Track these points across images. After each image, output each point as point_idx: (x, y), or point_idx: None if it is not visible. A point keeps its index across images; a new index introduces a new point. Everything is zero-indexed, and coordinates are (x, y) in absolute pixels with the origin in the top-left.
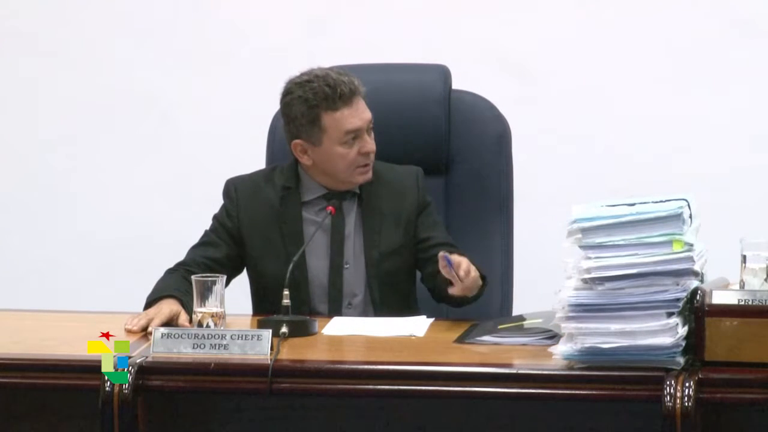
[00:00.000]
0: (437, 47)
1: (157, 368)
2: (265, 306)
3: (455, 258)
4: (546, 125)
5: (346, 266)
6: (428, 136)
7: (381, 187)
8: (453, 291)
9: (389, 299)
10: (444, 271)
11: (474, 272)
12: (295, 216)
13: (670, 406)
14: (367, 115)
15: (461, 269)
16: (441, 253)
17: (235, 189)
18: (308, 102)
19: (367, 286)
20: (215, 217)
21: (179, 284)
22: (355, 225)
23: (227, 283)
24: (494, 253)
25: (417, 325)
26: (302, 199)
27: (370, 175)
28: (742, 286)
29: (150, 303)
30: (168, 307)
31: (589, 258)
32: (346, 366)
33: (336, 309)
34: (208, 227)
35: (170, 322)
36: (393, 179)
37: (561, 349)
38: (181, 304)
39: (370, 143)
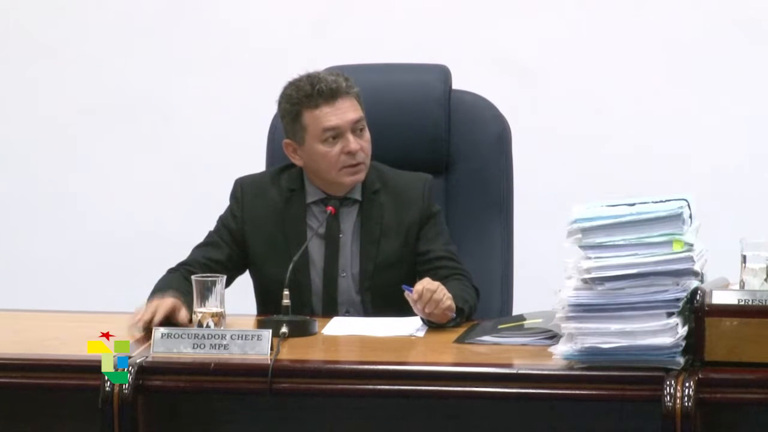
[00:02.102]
0: (437, 47)
1: (157, 368)
2: (269, 307)
3: (417, 288)
4: (546, 125)
5: (342, 275)
6: (428, 136)
7: (385, 196)
8: (419, 315)
9: (383, 311)
10: (409, 300)
11: (446, 302)
12: (298, 218)
13: (670, 406)
14: (352, 115)
15: (421, 300)
16: (403, 286)
17: (241, 190)
18: (291, 100)
19: (360, 295)
20: (220, 219)
21: (180, 284)
22: (353, 233)
23: (229, 284)
24: (494, 252)
25: (417, 326)
26: (306, 202)
27: (359, 176)
28: (742, 286)
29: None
30: (170, 298)
31: (589, 258)
32: (346, 366)
33: (331, 316)
34: (212, 227)
35: (172, 313)
36: (399, 188)
37: (561, 349)
38: (181, 302)
39: (353, 143)
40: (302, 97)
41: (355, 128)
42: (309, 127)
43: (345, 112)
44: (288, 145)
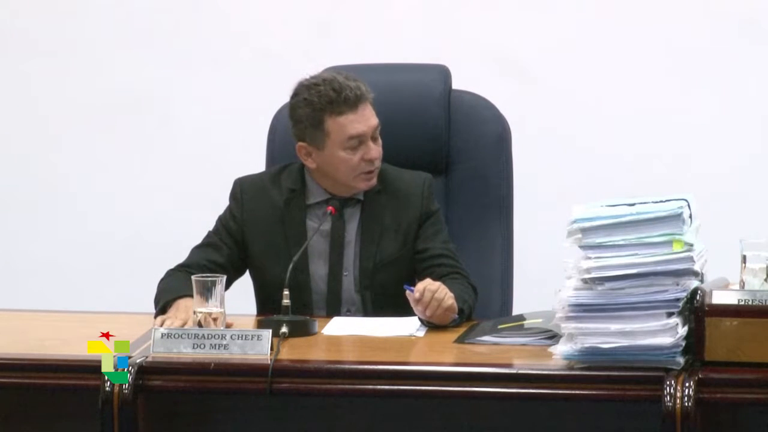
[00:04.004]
0: (437, 47)
1: (157, 368)
2: (268, 307)
3: (418, 288)
4: (546, 125)
5: (345, 274)
6: (428, 136)
7: (386, 195)
8: (420, 316)
9: (383, 310)
10: (410, 299)
11: (447, 302)
12: (298, 219)
13: (670, 406)
14: (373, 121)
15: (422, 302)
16: (405, 286)
17: (241, 190)
18: (313, 105)
19: (360, 294)
20: (219, 219)
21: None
22: (356, 232)
23: (229, 285)
24: (494, 253)
25: (417, 326)
26: (307, 202)
27: (374, 181)
28: (742, 286)
29: (167, 303)
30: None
31: (589, 258)
32: (346, 366)
33: (334, 315)
34: (211, 228)
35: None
36: (399, 187)
37: (561, 349)
38: None
39: (374, 150)
40: (326, 104)
41: (375, 135)
42: (332, 134)
43: (368, 119)
44: (302, 149)
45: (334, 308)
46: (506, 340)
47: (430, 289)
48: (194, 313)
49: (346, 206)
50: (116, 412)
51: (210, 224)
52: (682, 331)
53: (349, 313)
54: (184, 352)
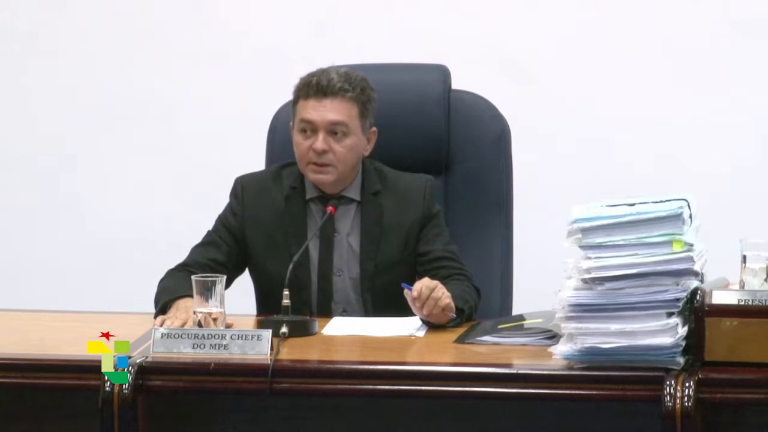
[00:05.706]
0: (437, 47)
1: (157, 368)
2: (268, 305)
3: (416, 287)
4: (546, 125)
5: (338, 274)
6: (428, 136)
7: (385, 197)
8: (418, 315)
9: (384, 311)
10: (408, 298)
11: (444, 300)
12: (299, 217)
13: (670, 406)
14: (331, 116)
15: (420, 299)
16: (402, 284)
17: (242, 188)
18: (296, 86)
19: (360, 296)
20: (219, 218)
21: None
22: (351, 232)
23: (229, 283)
24: (494, 252)
25: (417, 326)
26: (306, 198)
27: (325, 177)
28: (742, 286)
29: (166, 303)
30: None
31: (589, 258)
32: (347, 366)
33: (326, 315)
34: (211, 227)
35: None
36: (400, 189)
37: (561, 349)
38: None
39: (320, 142)
40: (301, 86)
41: (333, 130)
42: (296, 114)
43: (327, 111)
44: (291, 127)
45: (324, 307)
46: (506, 340)
47: (428, 286)
48: (194, 313)
49: (338, 205)
50: (116, 412)
51: (210, 224)
52: (682, 331)
53: (345, 313)
54: (184, 352)
